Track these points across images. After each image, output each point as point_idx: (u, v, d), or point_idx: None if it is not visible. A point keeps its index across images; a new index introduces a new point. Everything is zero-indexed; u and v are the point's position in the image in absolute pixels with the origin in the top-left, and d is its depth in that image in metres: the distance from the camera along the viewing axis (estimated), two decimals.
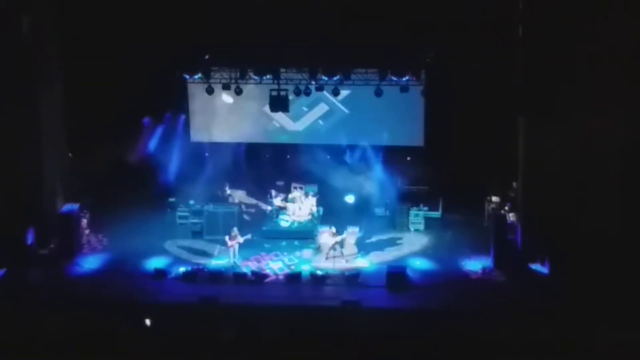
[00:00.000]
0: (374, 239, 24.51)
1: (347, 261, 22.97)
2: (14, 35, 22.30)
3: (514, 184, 24.34)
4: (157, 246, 24.25)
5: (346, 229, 23.75)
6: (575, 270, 21.39)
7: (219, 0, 23.51)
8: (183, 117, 27.05)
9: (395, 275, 21.94)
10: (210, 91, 25.38)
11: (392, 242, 24.52)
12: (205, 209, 25.19)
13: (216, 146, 27.15)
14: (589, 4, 20.99)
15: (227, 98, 26.51)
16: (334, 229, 23.06)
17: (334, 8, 23.20)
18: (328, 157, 26.85)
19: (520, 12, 22.04)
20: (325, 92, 25.87)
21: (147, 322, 19.14)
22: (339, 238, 22.94)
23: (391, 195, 26.04)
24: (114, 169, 25.83)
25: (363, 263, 23.11)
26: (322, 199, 26.10)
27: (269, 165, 27.30)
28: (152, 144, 26.63)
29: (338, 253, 22.90)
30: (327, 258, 22.89)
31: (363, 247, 23.82)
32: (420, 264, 23.16)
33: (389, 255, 23.71)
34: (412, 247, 24.33)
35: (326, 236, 23.23)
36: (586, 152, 21.74)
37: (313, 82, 24.86)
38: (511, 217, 24.08)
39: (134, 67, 24.49)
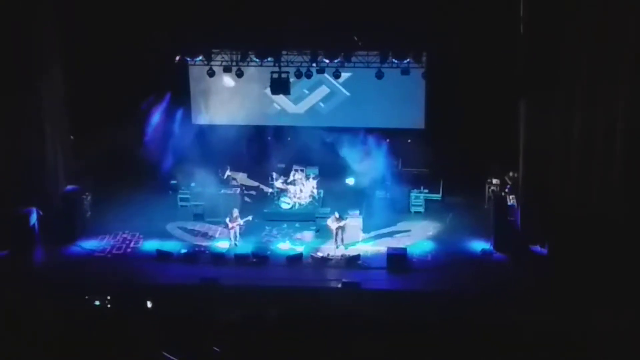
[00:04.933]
0: (375, 222, 24.54)
1: (346, 248, 22.95)
2: (13, 19, 22.25)
3: (514, 173, 24.35)
4: (159, 228, 24.37)
5: (347, 212, 23.81)
6: (575, 253, 21.49)
7: None
8: (169, 96, 26.91)
9: (396, 257, 22.05)
10: (211, 74, 25.41)
11: (393, 225, 24.54)
12: (207, 191, 25.27)
13: (217, 129, 27.20)
14: None
15: (228, 81, 26.52)
16: (336, 214, 23.07)
17: None
18: (329, 139, 26.87)
19: None
20: (326, 75, 25.89)
21: (149, 304, 19.28)
22: (342, 223, 22.97)
23: (392, 178, 26.09)
24: (116, 151, 25.86)
25: (366, 248, 23.16)
26: (323, 182, 26.15)
27: (270, 148, 27.31)
28: (154, 126, 26.69)
29: (339, 238, 22.92)
30: (337, 246, 22.83)
31: (366, 231, 23.85)
32: (425, 246, 23.30)
33: (390, 238, 23.70)
34: (415, 229, 24.37)
35: (330, 221, 23.20)
36: (588, 134, 21.72)
37: (314, 65, 24.86)
38: (511, 199, 24.13)
39: (135, 50, 24.48)
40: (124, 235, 23.80)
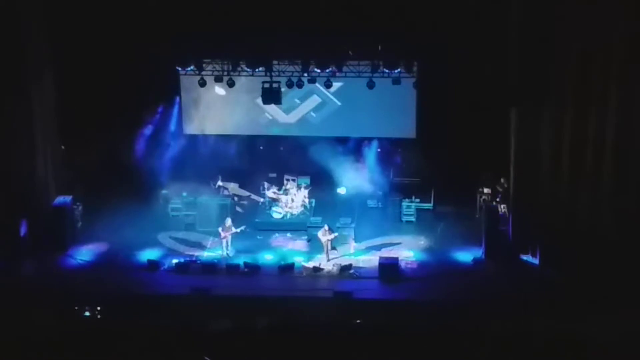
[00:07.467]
0: (367, 232, 24.51)
1: (331, 260, 22.85)
2: (3, 27, 22.20)
3: (505, 182, 24.41)
4: (150, 238, 24.29)
5: (338, 221, 23.78)
6: (566, 261, 21.54)
7: None
8: (161, 109, 26.98)
9: (387, 266, 22.03)
10: (202, 83, 25.40)
11: (385, 235, 24.52)
12: (198, 201, 25.23)
13: (208, 138, 27.17)
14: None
15: (219, 90, 26.52)
16: (326, 227, 22.96)
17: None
18: (320, 149, 26.85)
19: (514, 5, 22.00)
20: (317, 84, 25.89)
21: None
22: (332, 236, 22.85)
23: (383, 187, 26.12)
24: (107, 161, 25.84)
25: (358, 257, 23.13)
26: (315, 191, 26.14)
27: (262, 158, 27.29)
28: (145, 136, 26.67)
29: (331, 251, 22.83)
30: (328, 259, 22.78)
31: (358, 240, 23.84)
32: (414, 255, 23.27)
33: (382, 249, 23.62)
34: (406, 239, 24.37)
35: (320, 234, 23.03)
36: (578, 143, 21.79)
37: (305, 74, 24.89)
38: (502, 208, 24.17)
39: (126, 59, 24.45)
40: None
